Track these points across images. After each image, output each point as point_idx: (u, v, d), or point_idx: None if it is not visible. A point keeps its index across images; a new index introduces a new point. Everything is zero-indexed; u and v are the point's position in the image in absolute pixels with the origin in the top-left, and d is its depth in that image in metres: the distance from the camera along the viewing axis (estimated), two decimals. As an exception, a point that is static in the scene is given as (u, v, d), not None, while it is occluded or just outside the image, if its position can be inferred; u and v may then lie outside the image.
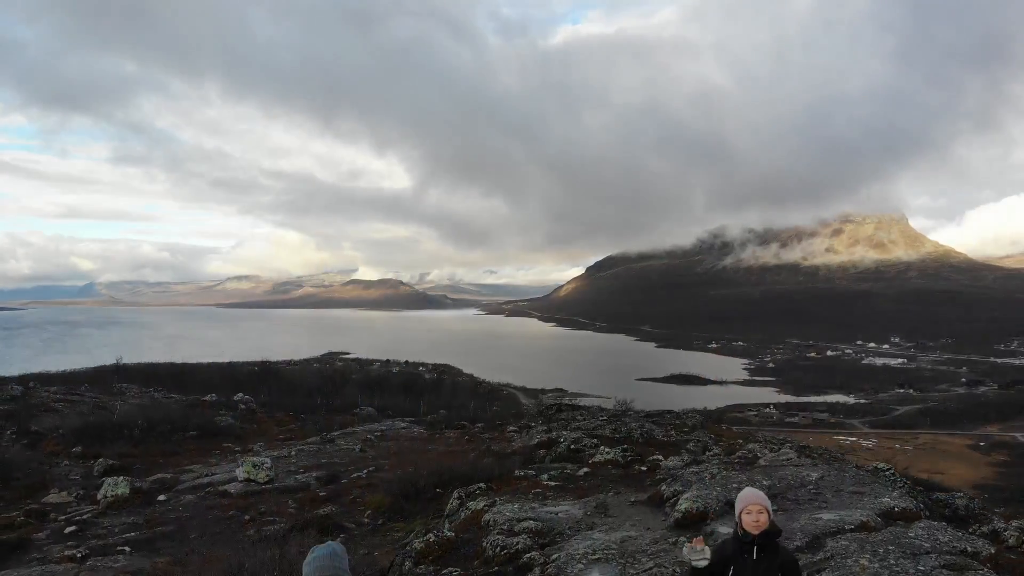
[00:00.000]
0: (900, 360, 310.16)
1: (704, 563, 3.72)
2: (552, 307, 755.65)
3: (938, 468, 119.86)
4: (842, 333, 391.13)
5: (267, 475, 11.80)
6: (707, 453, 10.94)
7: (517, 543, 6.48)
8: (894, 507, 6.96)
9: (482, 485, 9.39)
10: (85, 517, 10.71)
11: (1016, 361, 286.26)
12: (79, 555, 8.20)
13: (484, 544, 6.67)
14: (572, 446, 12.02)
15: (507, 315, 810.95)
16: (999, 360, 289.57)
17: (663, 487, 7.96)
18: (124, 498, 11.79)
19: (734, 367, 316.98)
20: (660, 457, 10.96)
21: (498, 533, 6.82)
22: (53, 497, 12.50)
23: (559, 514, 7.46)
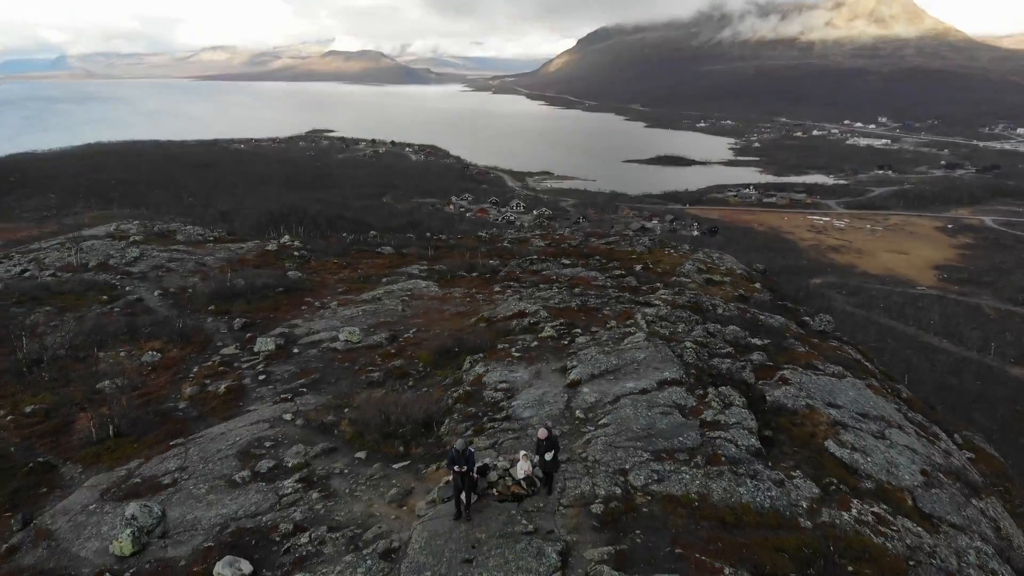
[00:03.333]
0: (884, 141, 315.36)
1: (522, 474, 11.14)
2: (541, 83, 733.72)
3: (903, 248, 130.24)
4: (831, 112, 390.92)
5: (359, 337, 20.31)
6: (607, 326, 19.21)
7: (498, 395, 15.01)
8: (667, 378, 15.32)
9: (481, 355, 17.82)
10: (261, 367, 19.22)
11: (999, 145, 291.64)
12: (288, 397, 16.71)
13: (484, 394, 15.20)
14: (531, 321, 20.31)
15: (494, 92, 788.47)
16: (982, 144, 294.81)
17: (567, 362, 16.39)
18: (273, 352, 20.30)
19: (720, 146, 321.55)
20: (579, 331, 19.23)
21: (490, 389, 15.34)
22: (226, 350, 20.97)
23: (517, 377, 15.95)
